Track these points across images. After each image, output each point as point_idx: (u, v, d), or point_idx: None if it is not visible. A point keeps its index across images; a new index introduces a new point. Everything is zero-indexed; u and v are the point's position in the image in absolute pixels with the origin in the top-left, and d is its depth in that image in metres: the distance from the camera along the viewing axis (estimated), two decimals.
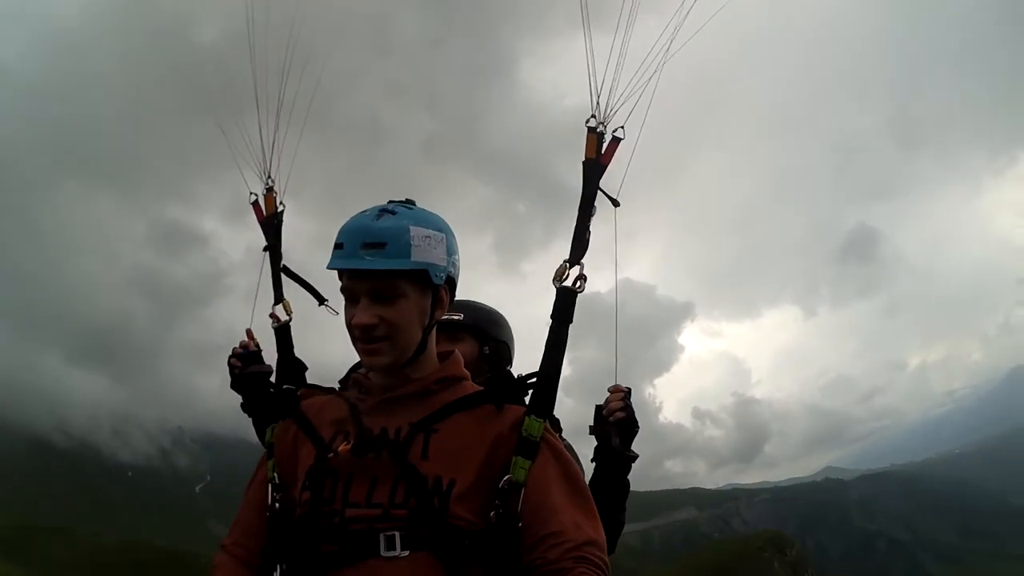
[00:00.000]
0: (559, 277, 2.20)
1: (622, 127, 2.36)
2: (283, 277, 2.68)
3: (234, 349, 2.72)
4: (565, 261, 2.22)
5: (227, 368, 2.69)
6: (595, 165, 2.33)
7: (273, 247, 2.75)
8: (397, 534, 1.78)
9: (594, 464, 2.57)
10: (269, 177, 2.83)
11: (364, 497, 1.85)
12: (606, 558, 1.81)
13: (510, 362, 3.07)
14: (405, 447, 1.88)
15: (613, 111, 2.36)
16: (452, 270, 2.03)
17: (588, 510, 1.89)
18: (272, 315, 2.63)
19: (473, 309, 3.05)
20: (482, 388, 2.08)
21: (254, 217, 2.83)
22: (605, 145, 2.34)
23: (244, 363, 2.66)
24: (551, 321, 2.19)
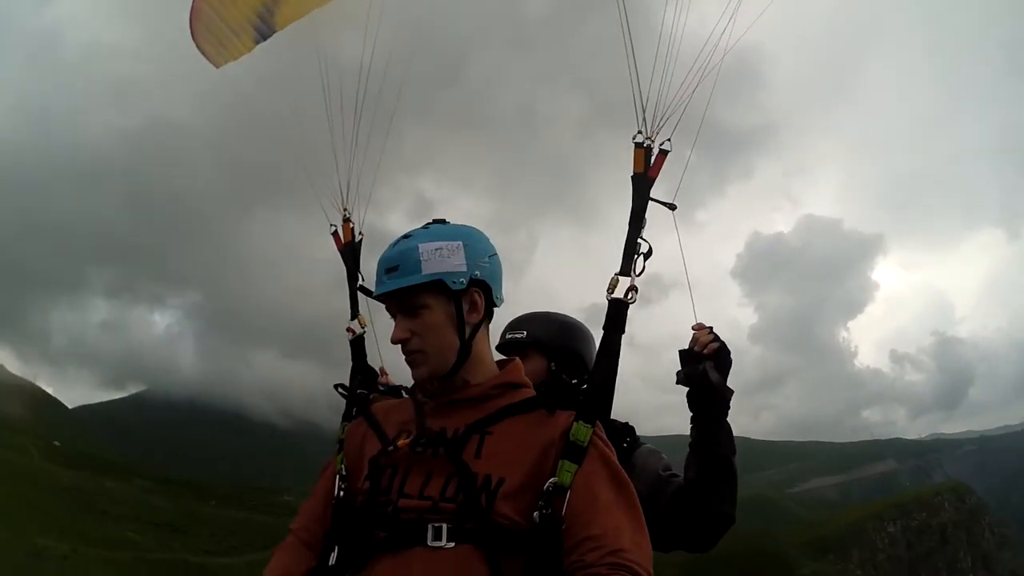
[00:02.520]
0: (610, 289, 2.28)
1: (669, 139, 2.38)
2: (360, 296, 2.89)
3: (379, 388, 2.83)
4: (616, 274, 2.29)
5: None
6: (643, 179, 2.39)
7: (351, 270, 2.97)
8: (444, 526, 1.88)
9: (691, 415, 2.57)
10: (346, 209, 3.04)
11: (418, 490, 1.97)
12: (646, 564, 1.82)
13: (586, 370, 2.95)
14: (460, 446, 1.99)
15: (661, 123, 2.38)
16: (479, 273, 2.11)
17: (632, 516, 1.91)
18: (348, 329, 2.84)
19: (537, 323, 3.05)
20: (534, 396, 2.15)
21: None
22: (653, 158, 2.40)
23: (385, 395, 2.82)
24: (603, 331, 2.28)
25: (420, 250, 2.06)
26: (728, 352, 2.52)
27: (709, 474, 2.52)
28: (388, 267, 2.09)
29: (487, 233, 2.20)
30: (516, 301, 2.31)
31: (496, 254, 2.19)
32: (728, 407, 2.53)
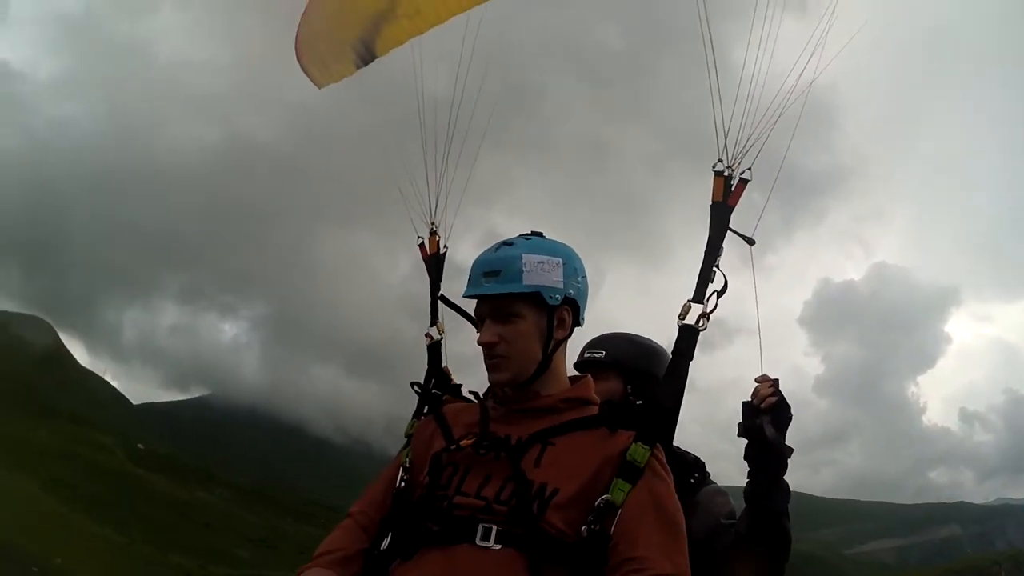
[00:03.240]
0: (682, 315, 2.29)
1: (749, 169, 2.39)
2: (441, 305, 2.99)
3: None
4: (689, 300, 2.30)
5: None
6: (722, 208, 2.39)
7: (434, 281, 3.08)
8: (494, 527, 1.92)
9: (748, 470, 2.50)
10: (433, 223, 3.16)
11: (475, 489, 2.02)
12: None
13: None
14: (521, 452, 2.04)
15: (741, 153, 2.39)
16: (572, 291, 2.17)
17: (678, 543, 1.92)
18: (427, 334, 2.95)
19: (617, 344, 3.05)
20: (598, 413, 2.18)
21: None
22: (732, 186, 2.40)
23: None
24: (671, 356, 2.31)
25: (523, 260, 2.12)
26: (787, 408, 2.44)
27: (760, 531, 2.47)
28: (488, 271, 2.14)
29: None
30: (578, 330, 2.31)
31: (586, 276, 2.25)
32: (785, 465, 2.46)
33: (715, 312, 2.32)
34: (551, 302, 2.12)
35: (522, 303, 2.12)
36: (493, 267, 2.14)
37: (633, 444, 2.00)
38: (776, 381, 2.46)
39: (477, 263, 2.20)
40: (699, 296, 2.32)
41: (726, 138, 2.40)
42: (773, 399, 2.40)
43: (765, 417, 2.38)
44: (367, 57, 3.53)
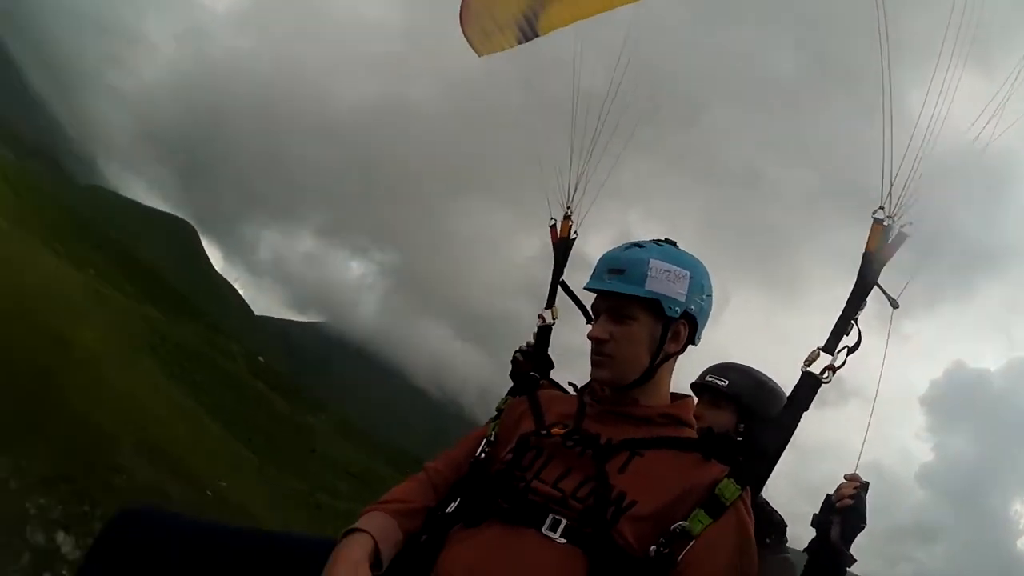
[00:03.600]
0: (808, 362, 2.17)
1: (911, 224, 2.25)
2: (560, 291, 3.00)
3: (521, 346, 3.07)
4: (818, 347, 2.17)
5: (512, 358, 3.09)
6: (876, 259, 2.25)
7: (558, 264, 3.09)
8: (564, 521, 1.90)
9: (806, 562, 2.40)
10: (568, 207, 3.17)
11: (554, 479, 2.00)
12: None
13: None
14: (608, 454, 2.01)
15: (905, 204, 2.26)
16: (693, 307, 2.12)
17: None
18: (540, 316, 2.98)
19: (742, 378, 2.96)
20: (696, 437, 2.13)
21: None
22: (891, 238, 2.25)
23: (525, 358, 3.01)
24: (787, 401, 2.20)
25: (650, 265, 2.09)
26: (862, 517, 2.23)
27: None
28: (613, 267, 2.13)
29: None
30: (689, 353, 2.25)
31: (712, 295, 2.19)
32: (842, 573, 2.27)
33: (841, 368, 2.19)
34: (669, 313, 2.09)
35: (640, 307, 2.09)
36: (619, 265, 2.12)
37: (725, 479, 1.93)
38: (864, 485, 2.21)
39: (604, 258, 2.20)
40: (831, 347, 2.17)
41: (891, 186, 2.25)
42: (849, 502, 2.18)
43: (836, 517, 2.15)
44: (529, 33, 3.58)
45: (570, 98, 3.15)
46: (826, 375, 2.15)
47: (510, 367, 3.05)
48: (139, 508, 2.02)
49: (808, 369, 2.17)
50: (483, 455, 2.25)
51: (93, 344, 12.15)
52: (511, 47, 3.67)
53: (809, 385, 2.17)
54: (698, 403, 3.03)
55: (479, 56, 3.77)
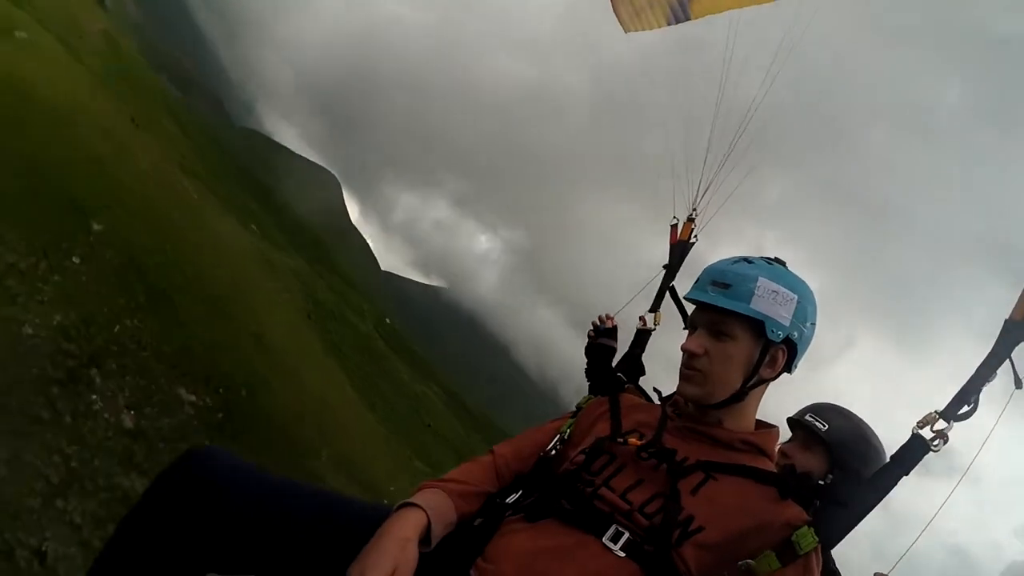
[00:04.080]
0: (922, 424, 2.05)
1: None
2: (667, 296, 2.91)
3: (593, 322, 2.99)
4: (936, 411, 2.05)
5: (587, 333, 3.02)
6: (1019, 330, 2.07)
7: (672, 267, 2.99)
8: (627, 534, 1.84)
9: None
10: (694, 210, 3.05)
11: (622, 488, 1.94)
12: None
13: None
14: (682, 474, 1.93)
15: None
16: (795, 334, 2.02)
17: None
18: (641, 318, 2.90)
19: (845, 426, 2.78)
20: (776, 472, 2.02)
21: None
22: None
23: (597, 334, 2.94)
24: (888, 460, 2.10)
25: (759, 283, 2.00)
26: None
27: None
28: (718, 280, 2.05)
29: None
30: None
31: (816, 324, 2.10)
32: None
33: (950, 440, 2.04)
34: (771, 336, 1.98)
35: (741, 326, 1.99)
36: (725, 279, 2.03)
37: (805, 527, 1.81)
38: None
39: (710, 270, 2.12)
40: (948, 414, 2.03)
41: None
42: None
43: None
44: (680, 16, 3.49)
45: (713, 96, 3.07)
46: (936, 443, 2.03)
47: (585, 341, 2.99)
48: (210, 449, 1.98)
49: (919, 432, 2.05)
50: (553, 452, 2.21)
51: (268, 318, 12.52)
52: (660, 27, 3.55)
53: (917, 448, 2.05)
54: (790, 440, 2.95)
55: (625, 32, 3.66)
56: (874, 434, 2.87)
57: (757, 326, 1.99)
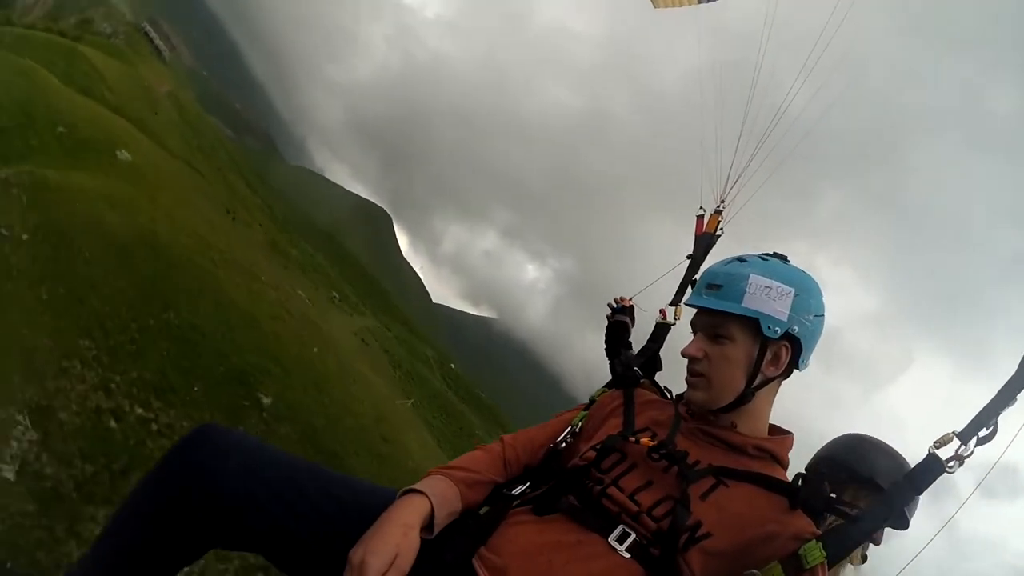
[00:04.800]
0: (938, 444, 1.91)
1: None
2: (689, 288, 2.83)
3: (610, 303, 2.98)
4: (953, 431, 1.91)
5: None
6: None
7: (696, 259, 2.93)
8: (633, 536, 1.82)
9: None
10: (722, 202, 3.00)
11: (632, 489, 1.90)
12: None
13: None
14: (693, 478, 1.89)
15: None
16: (796, 328, 1.96)
17: None
18: (662, 312, 2.80)
19: (878, 459, 2.63)
20: (788, 481, 1.96)
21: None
22: None
23: (614, 313, 2.93)
24: (902, 479, 1.96)
25: (750, 281, 1.97)
26: None
27: None
28: (712, 282, 2.04)
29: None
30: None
31: (823, 316, 2.03)
32: None
33: (970, 459, 1.93)
34: (767, 333, 1.94)
35: (737, 326, 1.96)
36: (717, 280, 2.02)
37: (813, 542, 1.75)
38: None
39: (706, 273, 2.11)
40: (966, 435, 1.89)
41: None
42: None
43: None
44: None
45: (748, 85, 3.03)
46: (952, 464, 1.86)
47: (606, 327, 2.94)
48: (208, 429, 1.91)
49: (935, 451, 1.88)
50: (563, 445, 2.17)
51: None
52: (691, 4, 3.51)
53: (932, 469, 1.87)
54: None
55: (654, 8, 3.61)
56: (893, 449, 2.73)
57: (753, 325, 1.94)
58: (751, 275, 1.97)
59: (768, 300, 1.94)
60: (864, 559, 2.61)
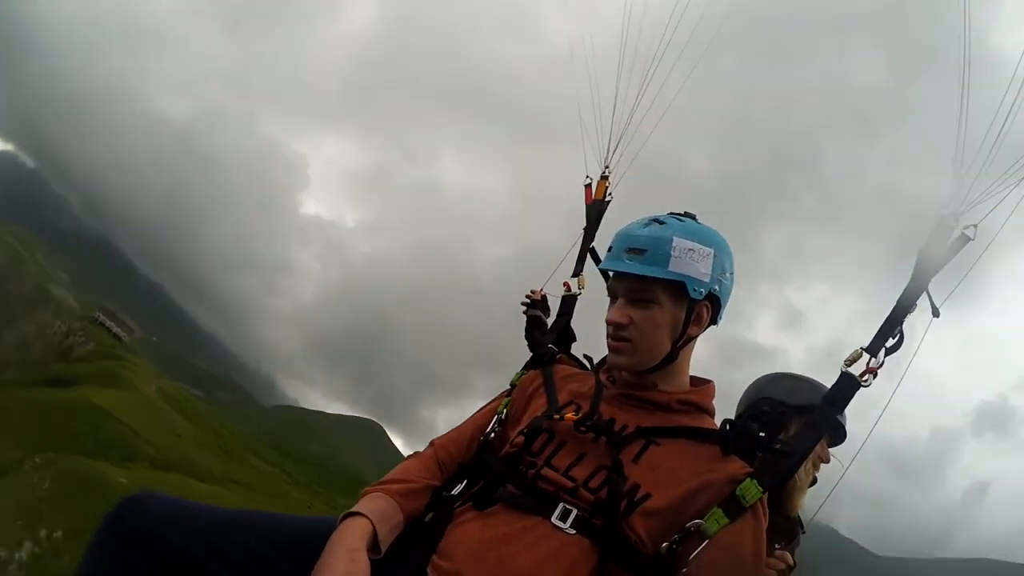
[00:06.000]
0: (849, 362, 2.05)
1: (974, 226, 2.06)
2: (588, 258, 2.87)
3: (523, 301, 2.98)
4: (861, 347, 2.05)
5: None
6: (933, 259, 2.08)
7: (590, 228, 2.90)
8: (575, 511, 1.83)
9: None
10: (607, 167, 2.96)
11: (565, 466, 1.92)
12: None
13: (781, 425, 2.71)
14: (623, 443, 1.92)
15: (971, 202, 2.08)
16: (716, 287, 2.01)
17: None
18: (566, 284, 2.83)
19: (789, 385, 2.86)
20: (717, 429, 2.02)
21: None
22: (951, 240, 2.07)
23: (528, 308, 2.93)
24: (821, 401, 2.08)
25: (674, 244, 1.97)
26: None
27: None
28: (632, 247, 2.01)
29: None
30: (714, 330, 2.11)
31: (734, 273, 2.09)
32: None
33: (882, 370, 2.04)
34: (693, 295, 1.98)
35: (662, 290, 1.98)
36: (639, 245, 2.00)
37: (748, 480, 1.83)
38: (788, 568, 2.46)
39: (622, 236, 2.07)
40: (874, 348, 2.03)
41: (962, 180, 2.11)
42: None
43: None
44: None
45: (621, 42, 2.97)
46: (866, 378, 2.02)
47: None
48: (140, 495, 1.90)
49: (848, 370, 2.04)
50: (492, 435, 2.17)
51: None
52: None
53: (847, 386, 2.04)
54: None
55: None
56: (802, 376, 2.90)
57: (679, 287, 1.97)
58: (675, 238, 1.97)
59: (692, 263, 1.96)
60: (814, 481, 2.75)
